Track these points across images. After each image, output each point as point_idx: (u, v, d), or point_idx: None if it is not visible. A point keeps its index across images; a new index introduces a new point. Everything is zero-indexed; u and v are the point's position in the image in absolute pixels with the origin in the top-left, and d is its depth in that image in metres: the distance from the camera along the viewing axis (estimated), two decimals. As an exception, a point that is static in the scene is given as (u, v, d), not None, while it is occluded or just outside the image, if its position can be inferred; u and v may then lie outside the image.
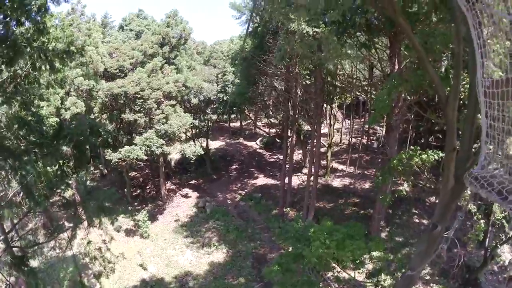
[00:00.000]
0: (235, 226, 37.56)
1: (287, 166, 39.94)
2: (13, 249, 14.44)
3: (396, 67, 24.58)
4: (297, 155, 51.43)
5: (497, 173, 2.18)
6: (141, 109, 37.35)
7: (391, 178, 24.22)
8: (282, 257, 17.63)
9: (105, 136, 40.12)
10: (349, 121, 59.80)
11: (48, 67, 14.66)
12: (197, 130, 58.52)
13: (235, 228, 37.01)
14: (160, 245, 35.95)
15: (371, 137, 55.32)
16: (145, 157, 36.85)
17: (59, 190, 14.84)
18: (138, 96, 36.87)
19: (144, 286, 30.28)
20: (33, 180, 14.24)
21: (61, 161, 14.67)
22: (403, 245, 29.57)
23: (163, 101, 38.44)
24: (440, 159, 18.35)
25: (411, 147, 19.31)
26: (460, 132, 10.05)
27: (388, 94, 17.53)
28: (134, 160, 37.03)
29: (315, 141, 34.29)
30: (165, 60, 41.44)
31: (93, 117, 38.56)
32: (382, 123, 55.17)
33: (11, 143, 12.42)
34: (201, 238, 36.14)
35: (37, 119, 14.47)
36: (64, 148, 15.17)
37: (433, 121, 38.79)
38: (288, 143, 39.38)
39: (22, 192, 14.28)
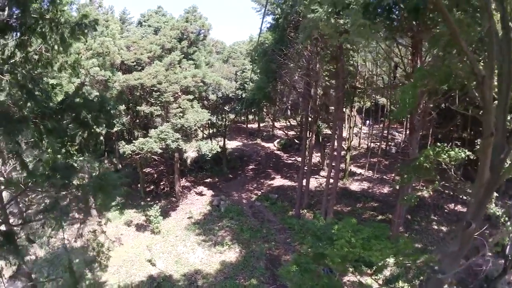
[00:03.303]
0: (249, 226, 36.43)
1: (305, 167, 38.64)
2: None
3: (419, 65, 23.65)
4: (315, 158, 50.19)
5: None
6: (158, 102, 36.69)
7: (414, 178, 22.92)
8: (300, 256, 16.25)
9: (120, 128, 39.44)
10: (367, 126, 58.81)
11: (59, 41, 13.93)
12: (215, 129, 57.92)
13: (249, 228, 35.87)
14: (171, 242, 35.11)
15: (389, 143, 53.96)
16: (159, 151, 35.93)
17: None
18: (155, 89, 36.26)
19: (151, 282, 29.39)
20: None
21: (65, 138, 13.78)
22: (422, 252, 28.13)
23: (180, 95, 37.72)
24: (467, 158, 17.34)
25: (437, 143, 18.04)
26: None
27: (414, 87, 16.38)
28: (149, 154, 36.29)
29: (335, 142, 33.12)
30: (183, 55, 40.97)
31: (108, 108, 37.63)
32: (401, 129, 54.15)
33: (11, 111, 11.59)
34: (214, 236, 35.10)
35: (45, 95, 13.68)
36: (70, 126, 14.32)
37: (451, 128, 37.43)
38: (308, 144, 38.13)
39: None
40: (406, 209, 30.49)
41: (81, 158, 16.02)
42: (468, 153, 17.36)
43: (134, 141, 36.26)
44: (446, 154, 17.10)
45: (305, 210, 38.14)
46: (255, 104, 49.28)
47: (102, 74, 34.80)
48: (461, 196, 34.24)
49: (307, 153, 38.41)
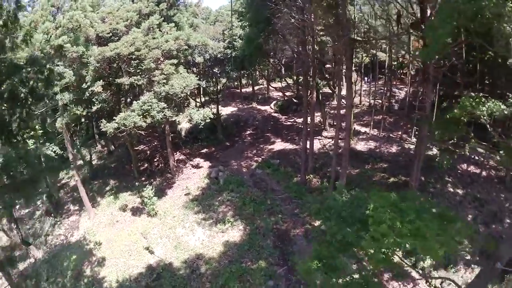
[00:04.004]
0: (252, 197, 33.61)
1: (307, 128, 35.40)
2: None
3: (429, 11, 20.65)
4: (316, 118, 47.08)
5: None
6: (138, 71, 33.20)
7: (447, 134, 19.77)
8: (322, 246, 12.63)
9: (101, 105, 35.99)
10: (366, 83, 57.19)
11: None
12: (207, 97, 56.29)
13: (252, 200, 33.09)
14: (169, 224, 32.61)
15: (390, 100, 50.87)
16: (144, 124, 32.52)
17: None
18: (133, 57, 32.66)
19: (150, 273, 27.11)
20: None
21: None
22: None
23: (163, 61, 34.30)
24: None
25: (471, 94, 14.87)
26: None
27: (444, 22, 13.03)
28: (134, 130, 33.01)
29: (341, 99, 30.00)
30: (162, 18, 37.64)
31: (86, 86, 34.19)
32: (401, 86, 51.13)
33: None
34: (214, 213, 32.45)
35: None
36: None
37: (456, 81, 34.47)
38: (309, 101, 34.87)
39: None
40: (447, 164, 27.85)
41: (32, 145, 13.30)
42: (503, 106, 14.23)
43: (115, 117, 32.93)
44: (485, 106, 13.92)
45: (311, 175, 35.42)
46: (246, 62, 45.78)
47: (74, 51, 31.24)
48: (473, 156, 31.51)
49: (309, 112, 35.16)
